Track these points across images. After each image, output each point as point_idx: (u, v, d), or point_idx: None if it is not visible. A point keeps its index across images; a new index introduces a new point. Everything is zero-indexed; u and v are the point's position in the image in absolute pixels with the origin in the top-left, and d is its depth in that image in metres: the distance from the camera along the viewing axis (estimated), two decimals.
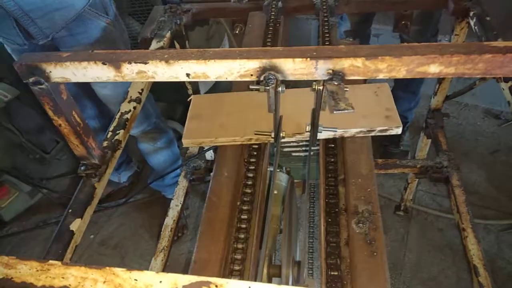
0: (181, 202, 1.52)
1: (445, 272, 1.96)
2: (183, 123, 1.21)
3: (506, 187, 2.25)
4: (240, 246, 0.76)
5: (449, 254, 2.02)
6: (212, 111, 1.04)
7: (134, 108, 1.11)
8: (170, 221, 1.44)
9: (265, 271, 0.83)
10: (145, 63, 0.71)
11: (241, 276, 0.71)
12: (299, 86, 0.95)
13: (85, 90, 1.82)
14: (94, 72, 0.75)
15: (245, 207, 0.81)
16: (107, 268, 0.42)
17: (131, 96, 1.14)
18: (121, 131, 1.05)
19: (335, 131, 0.89)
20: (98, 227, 2.35)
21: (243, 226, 0.77)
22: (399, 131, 0.92)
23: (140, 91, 1.15)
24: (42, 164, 2.58)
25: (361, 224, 0.74)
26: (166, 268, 1.38)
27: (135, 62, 0.71)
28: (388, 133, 0.92)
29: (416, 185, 2.10)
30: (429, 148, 1.89)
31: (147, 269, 0.42)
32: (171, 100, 2.52)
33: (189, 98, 1.06)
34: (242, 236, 0.77)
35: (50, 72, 0.75)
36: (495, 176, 2.32)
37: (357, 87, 1.02)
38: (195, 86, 1.66)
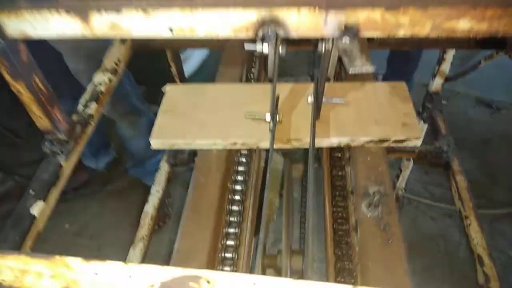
0: (163, 188, 1.39)
1: (437, 262, 1.90)
2: None
3: (498, 176, 2.20)
4: (232, 230, 0.65)
5: (441, 244, 1.95)
6: (191, 106, 0.84)
7: (110, 80, 0.98)
8: (151, 208, 1.31)
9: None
10: (118, 12, 0.58)
11: (234, 266, 0.60)
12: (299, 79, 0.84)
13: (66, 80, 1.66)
14: (57, 25, 0.62)
15: (237, 187, 0.70)
16: (57, 257, 0.30)
17: (106, 67, 1.01)
18: (94, 104, 0.92)
19: (342, 102, 0.78)
20: (73, 215, 2.20)
21: (236, 208, 0.66)
22: (418, 143, 0.76)
23: (117, 62, 1.02)
24: (14, 149, 2.41)
25: (372, 207, 0.64)
26: (145, 260, 1.27)
27: (106, 11, 0.59)
28: (405, 145, 0.76)
29: (408, 173, 2.02)
30: (424, 135, 1.81)
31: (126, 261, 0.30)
32: (154, 82, 2.37)
33: (164, 87, 0.89)
34: (234, 219, 0.66)
35: (4, 24, 0.62)
36: (487, 164, 2.26)
37: (367, 85, 0.85)
38: (179, 65, 1.53)
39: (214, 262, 0.62)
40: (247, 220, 0.66)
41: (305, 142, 0.74)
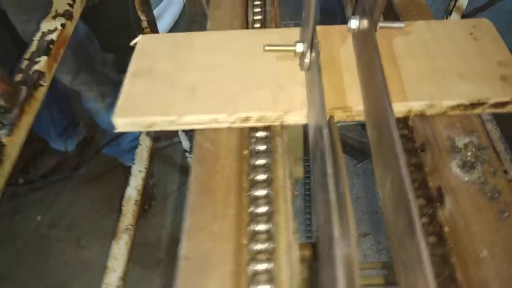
0: (146, 167, 1.17)
1: None
2: None
3: None
4: (260, 221, 0.44)
5: None
6: (174, 64, 0.57)
7: (63, 26, 0.73)
8: (133, 191, 1.09)
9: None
10: None
11: (270, 280, 0.39)
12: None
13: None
14: None
15: (260, 161, 0.48)
16: None
17: (56, 10, 0.75)
18: (44, 58, 0.67)
19: (401, 26, 0.56)
20: (45, 206, 1.96)
21: (261, 192, 0.45)
22: None
23: (71, 2, 0.76)
24: None
25: (467, 168, 0.43)
26: (134, 251, 1.05)
27: None
28: (509, 109, 0.52)
29: None
30: None
31: None
32: (122, 49, 2.10)
33: (134, 40, 0.62)
34: (261, 207, 0.44)
35: None
36: None
37: (437, 23, 0.60)
38: (150, 15, 1.26)
39: (240, 270, 0.40)
40: (281, 209, 0.44)
41: (356, 112, 0.51)
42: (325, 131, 0.39)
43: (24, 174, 1.92)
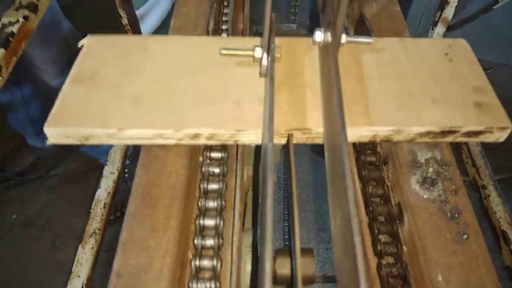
0: (119, 169, 1.13)
1: None
2: None
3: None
4: (208, 223, 0.41)
5: None
6: (122, 70, 0.51)
7: (25, 18, 0.70)
8: (104, 194, 1.06)
9: (249, 267, 0.48)
10: None
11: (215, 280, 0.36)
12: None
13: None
14: None
15: (214, 154, 0.45)
16: None
17: (20, 1, 0.72)
18: (1, 51, 0.64)
19: (370, 41, 0.51)
20: (21, 204, 1.91)
21: (213, 187, 0.42)
22: (503, 136, 0.48)
23: None
24: None
25: (427, 185, 0.41)
26: (100, 257, 1.02)
27: None
28: (482, 138, 0.48)
29: None
30: None
31: None
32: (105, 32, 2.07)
33: (82, 41, 0.55)
34: (212, 204, 0.41)
35: None
36: None
37: (411, 42, 0.56)
38: (131, 14, 1.23)
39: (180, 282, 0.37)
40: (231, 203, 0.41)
41: (316, 134, 0.46)
42: (269, 150, 0.35)
43: (0, 171, 1.88)
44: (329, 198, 0.38)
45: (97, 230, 0.99)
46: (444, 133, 0.46)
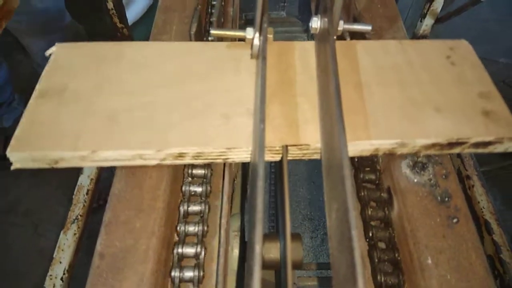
0: None
1: None
2: None
3: None
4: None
5: None
6: (93, 84, 0.46)
7: None
8: (87, 180, 1.04)
9: (236, 251, 0.48)
10: None
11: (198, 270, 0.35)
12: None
13: None
14: None
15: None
16: None
17: None
18: None
19: (368, 29, 0.49)
20: (2, 190, 1.87)
21: (197, 188, 0.41)
22: None
23: None
24: None
25: (418, 169, 0.41)
26: (82, 244, 1.00)
27: None
28: (491, 149, 0.44)
29: None
30: None
31: None
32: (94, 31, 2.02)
33: (49, 50, 0.49)
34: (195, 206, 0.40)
35: None
36: None
37: (411, 44, 0.52)
38: (120, 9, 1.20)
39: (166, 269, 0.36)
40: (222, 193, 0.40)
41: (314, 149, 0.42)
42: (260, 132, 0.34)
43: None
44: (325, 189, 0.36)
45: (79, 217, 0.97)
46: (452, 144, 0.42)
